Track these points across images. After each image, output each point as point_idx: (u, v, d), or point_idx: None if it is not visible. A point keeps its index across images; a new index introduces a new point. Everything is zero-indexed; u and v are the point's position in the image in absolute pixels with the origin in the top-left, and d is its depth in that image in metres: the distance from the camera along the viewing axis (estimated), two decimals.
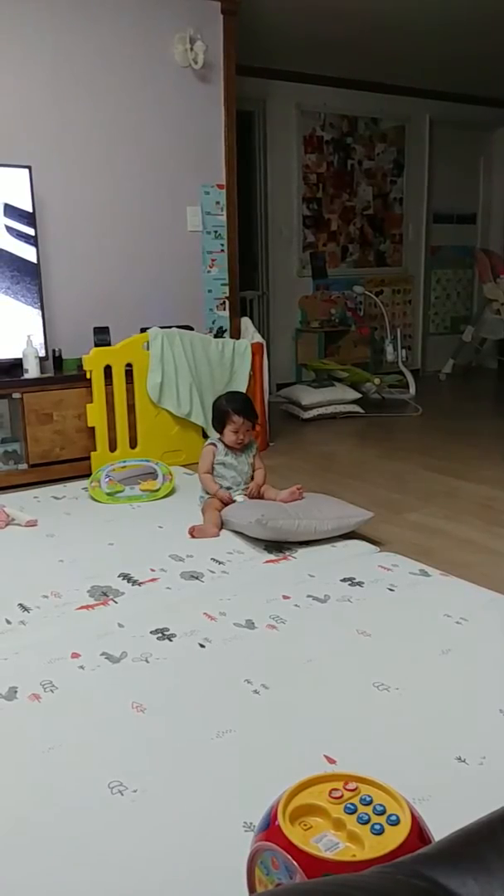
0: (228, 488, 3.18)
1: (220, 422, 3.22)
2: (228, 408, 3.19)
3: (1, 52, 3.90)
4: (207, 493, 3.20)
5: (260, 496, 3.17)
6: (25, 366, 3.86)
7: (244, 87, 5.26)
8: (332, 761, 1.57)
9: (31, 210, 3.91)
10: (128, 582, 2.55)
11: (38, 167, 3.97)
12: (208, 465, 3.21)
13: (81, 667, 2.00)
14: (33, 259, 3.95)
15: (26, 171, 3.87)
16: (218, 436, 3.25)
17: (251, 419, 3.21)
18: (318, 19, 4.93)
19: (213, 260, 4.74)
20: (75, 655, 2.05)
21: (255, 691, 1.86)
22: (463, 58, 5.89)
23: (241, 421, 3.16)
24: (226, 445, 3.21)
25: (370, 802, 1.14)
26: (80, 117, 4.17)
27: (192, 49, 4.35)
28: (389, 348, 6.10)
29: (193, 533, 3.00)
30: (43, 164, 4.04)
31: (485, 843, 0.81)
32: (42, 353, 3.99)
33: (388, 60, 5.92)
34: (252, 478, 3.24)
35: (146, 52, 4.31)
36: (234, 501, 3.12)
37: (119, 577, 2.59)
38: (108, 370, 3.94)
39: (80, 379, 3.94)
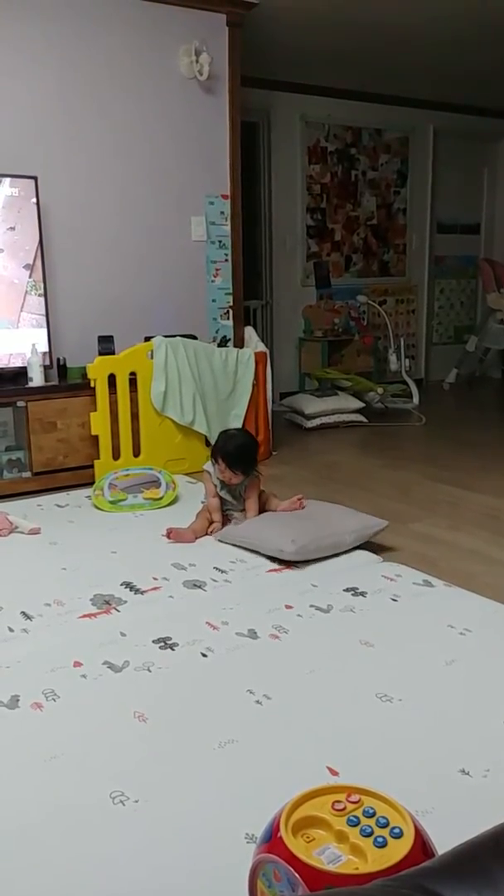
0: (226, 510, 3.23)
1: (213, 455, 3.18)
2: (219, 452, 3.12)
3: (9, 63, 3.92)
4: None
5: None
6: (30, 374, 3.87)
7: (249, 98, 5.28)
8: (334, 773, 1.57)
9: (37, 220, 3.92)
10: (130, 590, 2.55)
11: (44, 177, 3.99)
12: (212, 489, 3.18)
13: (83, 675, 2.00)
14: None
15: (32, 181, 3.88)
16: (212, 462, 3.19)
17: (238, 470, 3.08)
18: (322, 31, 4.95)
19: (217, 269, 4.75)
20: (77, 664, 2.05)
21: (258, 701, 1.85)
22: (467, 69, 5.91)
23: (224, 467, 3.10)
24: (220, 479, 3.17)
25: (373, 815, 1.14)
26: (86, 128, 4.19)
27: (197, 61, 4.37)
28: (393, 358, 6.11)
29: (171, 535, 3.06)
30: (49, 175, 4.05)
31: (489, 857, 0.80)
32: (46, 361, 4.00)
33: (392, 72, 5.94)
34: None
35: (152, 64, 4.34)
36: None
37: (122, 585, 2.59)
38: (112, 379, 3.95)
39: (84, 387, 3.94)
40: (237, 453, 3.09)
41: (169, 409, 4.13)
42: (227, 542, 2.99)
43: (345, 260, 6.78)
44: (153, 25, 4.29)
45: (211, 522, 3.17)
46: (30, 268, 3.95)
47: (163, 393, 4.09)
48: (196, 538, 3.08)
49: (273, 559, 2.79)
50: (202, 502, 3.29)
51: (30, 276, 3.95)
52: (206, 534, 3.13)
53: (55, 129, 4.10)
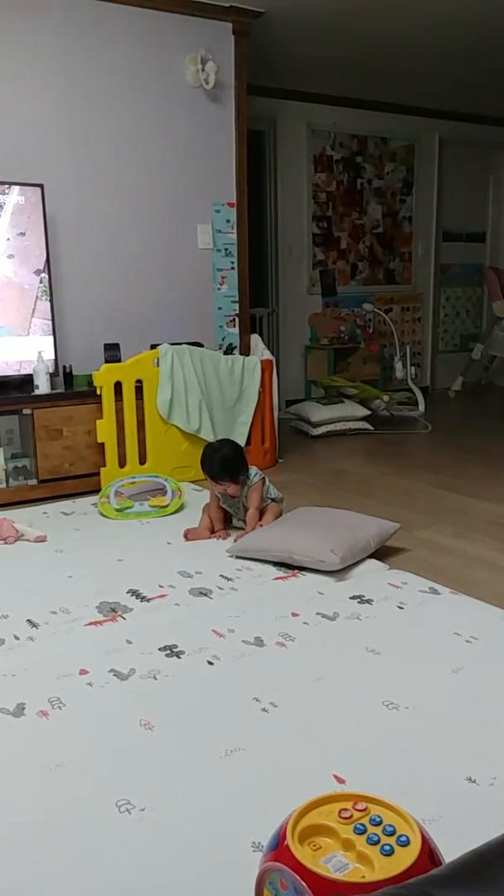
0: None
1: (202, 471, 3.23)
2: (203, 468, 3.17)
3: (15, 73, 3.95)
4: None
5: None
6: (36, 382, 3.88)
7: (255, 106, 5.30)
8: (341, 781, 1.56)
9: (43, 227, 3.94)
10: (136, 598, 2.55)
11: (50, 185, 4.01)
12: (215, 500, 3.24)
13: (90, 683, 1.99)
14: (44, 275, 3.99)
15: (38, 189, 3.90)
16: None
17: (224, 481, 3.10)
18: (328, 40, 4.98)
19: (223, 277, 4.76)
20: (83, 672, 2.05)
21: (264, 709, 1.85)
22: (472, 78, 5.93)
23: (211, 481, 3.15)
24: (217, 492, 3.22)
25: (380, 823, 1.13)
26: (93, 136, 4.22)
27: (203, 70, 4.39)
28: (399, 365, 6.11)
29: (188, 535, 3.16)
30: (55, 183, 4.07)
31: (496, 865, 0.80)
32: (52, 368, 4.01)
33: (397, 80, 5.96)
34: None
35: (158, 73, 4.36)
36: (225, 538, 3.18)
37: (128, 593, 2.59)
38: (118, 386, 3.95)
39: (90, 395, 3.95)
40: (217, 465, 3.10)
41: (175, 416, 4.13)
42: (249, 558, 2.89)
43: (351, 268, 6.79)
44: (159, 34, 4.31)
45: (213, 531, 3.20)
46: (40, 273, 3.96)
47: (169, 400, 4.09)
48: (210, 534, 3.19)
49: (278, 567, 2.79)
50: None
51: (41, 282, 3.97)
52: (213, 534, 3.20)
53: (62, 138, 4.12)
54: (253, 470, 3.20)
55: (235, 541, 3.04)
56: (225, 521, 3.27)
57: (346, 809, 1.16)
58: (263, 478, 3.23)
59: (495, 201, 7.65)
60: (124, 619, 2.40)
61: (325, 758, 1.64)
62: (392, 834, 1.11)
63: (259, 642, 2.20)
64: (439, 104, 6.75)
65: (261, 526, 3.10)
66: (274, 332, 6.40)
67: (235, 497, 3.19)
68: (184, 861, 1.35)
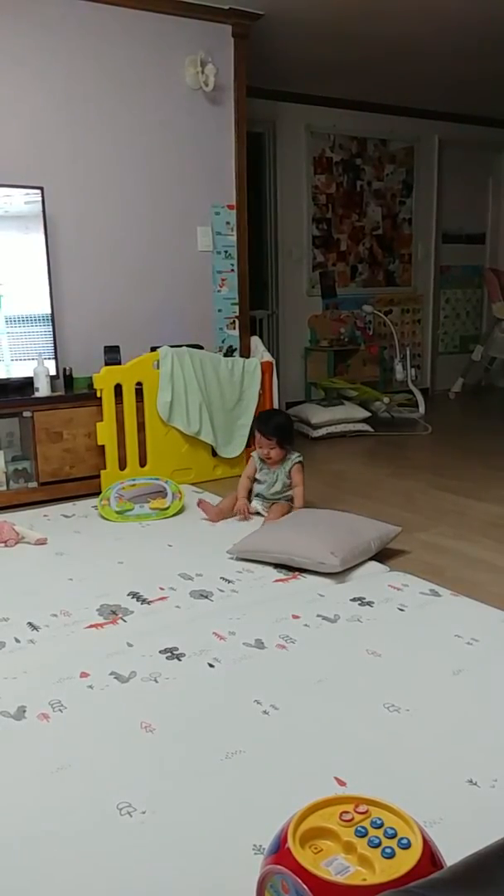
0: (257, 495, 3.51)
1: (252, 431, 3.59)
2: (256, 424, 3.53)
3: (15, 75, 3.95)
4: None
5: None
6: (36, 384, 3.88)
7: (254, 108, 5.30)
8: (342, 783, 1.56)
9: (43, 230, 3.95)
10: (137, 600, 2.55)
11: (50, 188, 4.01)
12: (250, 470, 3.51)
13: (90, 686, 1.99)
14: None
15: (38, 191, 3.91)
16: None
17: (271, 437, 3.38)
18: (327, 42, 4.98)
19: (223, 279, 4.76)
20: (84, 675, 2.05)
21: (265, 712, 1.85)
22: (472, 79, 5.93)
23: (259, 437, 3.41)
24: (260, 458, 3.47)
25: (381, 825, 1.14)
26: (92, 139, 4.22)
27: (202, 72, 4.39)
28: (399, 367, 6.11)
29: (200, 504, 3.48)
30: (55, 185, 4.08)
31: (498, 868, 0.80)
32: (53, 371, 4.01)
33: (397, 82, 5.97)
34: (281, 492, 3.48)
35: (157, 75, 4.36)
36: (244, 513, 3.43)
37: (128, 595, 2.59)
38: (118, 389, 3.95)
39: (90, 397, 3.95)
40: (271, 422, 3.42)
41: (175, 418, 4.13)
42: (249, 560, 2.90)
43: (350, 270, 6.79)
44: (159, 37, 4.32)
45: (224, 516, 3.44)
46: None
47: (169, 403, 4.09)
48: (219, 520, 3.42)
49: (279, 569, 2.79)
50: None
51: None
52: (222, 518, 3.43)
53: (61, 141, 4.12)
54: (296, 453, 3.50)
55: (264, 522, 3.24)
56: (249, 497, 3.49)
57: (347, 812, 1.16)
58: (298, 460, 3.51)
59: (495, 202, 7.65)
60: (125, 621, 2.39)
61: (326, 760, 1.64)
62: (393, 836, 1.11)
63: (260, 644, 2.20)
64: (438, 106, 6.75)
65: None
66: (274, 334, 6.40)
67: (275, 465, 3.43)
68: (185, 864, 1.35)
